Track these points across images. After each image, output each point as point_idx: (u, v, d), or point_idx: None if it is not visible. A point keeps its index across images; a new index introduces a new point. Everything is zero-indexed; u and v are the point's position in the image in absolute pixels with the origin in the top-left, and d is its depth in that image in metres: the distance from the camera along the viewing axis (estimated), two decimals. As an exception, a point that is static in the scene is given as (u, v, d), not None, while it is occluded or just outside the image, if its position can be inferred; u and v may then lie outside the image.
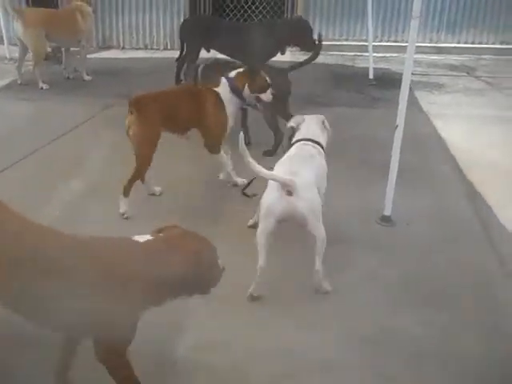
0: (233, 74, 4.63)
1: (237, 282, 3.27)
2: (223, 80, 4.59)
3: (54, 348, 2.74)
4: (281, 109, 5.73)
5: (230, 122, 4.61)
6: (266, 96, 4.69)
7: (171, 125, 4.34)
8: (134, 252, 2.29)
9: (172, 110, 4.31)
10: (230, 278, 3.23)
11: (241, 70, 4.69)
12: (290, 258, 3.72)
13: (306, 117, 4.03)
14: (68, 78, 8.29)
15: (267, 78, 4.67)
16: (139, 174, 4.25)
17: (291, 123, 3.99)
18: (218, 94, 4.54)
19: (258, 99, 4.69)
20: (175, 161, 5.09)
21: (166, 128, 4.30)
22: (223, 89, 4.57)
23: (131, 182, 4.19)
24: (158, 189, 4.59)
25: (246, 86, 4.60)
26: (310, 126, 3.97)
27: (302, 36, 7.07)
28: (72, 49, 8.32)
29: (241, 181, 4.73)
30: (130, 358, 2.41)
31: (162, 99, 4.35)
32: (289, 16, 11.07)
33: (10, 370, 2.75)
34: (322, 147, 3.89)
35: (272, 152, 5.52)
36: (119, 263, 2.22)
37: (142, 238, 2.35)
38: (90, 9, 8.28)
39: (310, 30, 7.20)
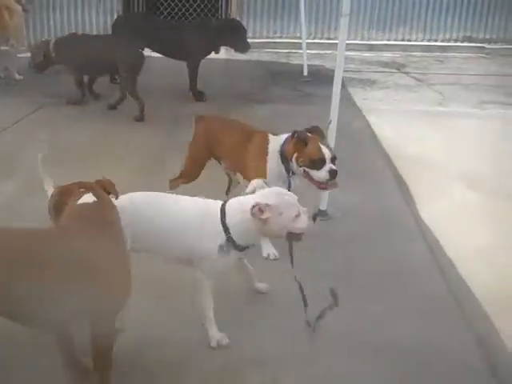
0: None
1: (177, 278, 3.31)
2: (283, 135, 3.85)
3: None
4: (128, 82, 6.43)
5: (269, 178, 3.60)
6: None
7: (220, 154, 4.04)
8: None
9: (227, 142, 3.97)
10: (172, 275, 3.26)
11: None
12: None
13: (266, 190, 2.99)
14: (-2, 77, 8.08)
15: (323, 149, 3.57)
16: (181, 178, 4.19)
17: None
18: (267, 140, 3.88)
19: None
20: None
21: (215, 155, 4.08)
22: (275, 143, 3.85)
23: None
24: None
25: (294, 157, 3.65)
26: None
27: (236, 37, 7.21)
28: (2, 48, 8.09)
29: None
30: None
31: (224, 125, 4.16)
32: (223, 16, 11.11)
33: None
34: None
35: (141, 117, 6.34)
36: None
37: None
38: (18, 6, 8.06)
39: (244, 32, 7.33)
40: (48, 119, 6.29)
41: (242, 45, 7.25)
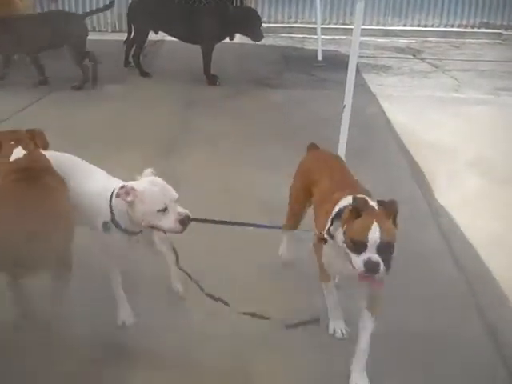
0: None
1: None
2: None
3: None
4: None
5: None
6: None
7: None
8: None
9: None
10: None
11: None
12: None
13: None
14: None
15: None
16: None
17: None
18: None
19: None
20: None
21: None
22: None
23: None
24: None
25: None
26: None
27: (251, 26, 7.23)
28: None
29: None
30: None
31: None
32: (238, 4, 11.03)
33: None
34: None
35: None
36: None
37: None
38: (27, -12, 8.06)
39: (259, 21, 7.35)
40: (61, 102, 6.31)
41: (256, 34, 7.27)
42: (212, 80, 7.33)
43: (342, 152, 4.25)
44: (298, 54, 9.37)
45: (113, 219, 2.88)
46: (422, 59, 9.28)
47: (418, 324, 3.10)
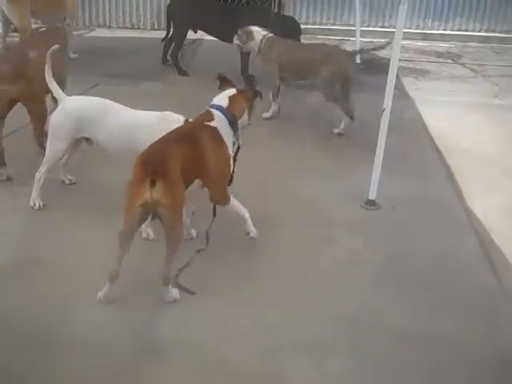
0: (224, 98, 3.58)
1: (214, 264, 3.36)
2: (216, 113, 3.50)
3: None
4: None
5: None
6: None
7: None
8: None
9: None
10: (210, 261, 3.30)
11: (234, 91, 3.64)
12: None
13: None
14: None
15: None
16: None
17: None
18: (216, 131, 3.45)
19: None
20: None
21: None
22: (220, 123, 3.48)
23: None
24: None
25: (246, 113, 3.67)
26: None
27: (293, 37, 7.13)
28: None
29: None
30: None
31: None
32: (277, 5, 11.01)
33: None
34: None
35: None
36: None
37: None
38: (77, -15, 8.19)
39: (299, 33, 7.30)
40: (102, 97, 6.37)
41: None
42: (249, 80, 7.33)
43: (379, 155, 4.21)
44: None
45: None
46: (462, 64, 9.15)
47: (450, 330, 3.07)
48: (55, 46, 4.03)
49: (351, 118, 5.68)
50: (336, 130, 5.76)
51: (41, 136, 4.51)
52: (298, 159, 5.09)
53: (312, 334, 3.02)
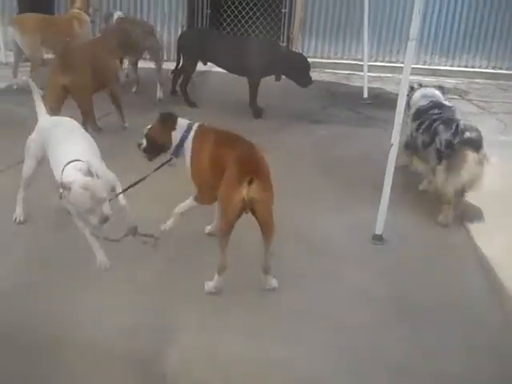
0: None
1: (226, 296, 3.35)
2: None
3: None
4: None
5: None
6: None
7: None
8: None
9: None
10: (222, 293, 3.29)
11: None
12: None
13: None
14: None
15: None
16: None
17: None
18: None
19: None
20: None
21: None
22: None
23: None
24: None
25: None
26: None
27: (300, 73, 7.23)
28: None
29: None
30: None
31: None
32: (285, 35, 11.15)
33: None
34: None
35: None
36: None
37: None
38: (87, 17, 8.31)
39: (308, 69, 7.34)
40: (109, 127, 6.44)
41: (304, 81, 7.29)
42: (257, 112, 7.39)
43: (386, 190, 4.21)
44: (344, 90, 9.39)
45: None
46: (469, 100, 9.20)
47: (458, 372, 3.02)
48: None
49: None
50: None
51: (85, 123, 5.53)
52: (305, 192, 5.09)
53: (316, 369, 2.99)
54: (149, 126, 3.93)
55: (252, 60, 7.15)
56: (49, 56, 7.98)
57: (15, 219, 4.23)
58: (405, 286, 3.79)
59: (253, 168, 3.37)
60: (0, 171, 5.04)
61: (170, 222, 3.97)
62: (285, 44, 10.94)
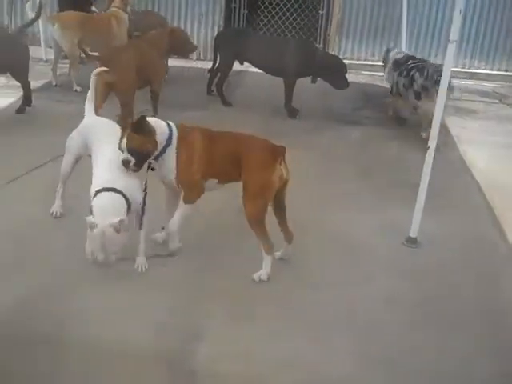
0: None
1: (253, 293, 3.34)
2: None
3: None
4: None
5: None
6: None
7: None
8: None
9: None
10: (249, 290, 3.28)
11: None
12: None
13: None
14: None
15: None
16: None
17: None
18: None
19: None
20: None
21: None
22: None
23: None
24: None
25: None
26: None
27: (337, 77, 7.22)
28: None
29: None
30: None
31: None
32: (321, 37, 11.10)
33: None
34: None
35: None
36: None
37: None
38: (125, 16, 8.39)
39: (345, 72, 7.32)
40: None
41: (340, 83, 7.28)
42: (292, 113, 7.37)
43: (422, 193, 4.16)
44: (379, 91, 9.30)
45: None
46: (509, 104, 9.04)
47: (492, 375, 2.98)
48: None
49: None
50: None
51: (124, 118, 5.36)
52: (339, 193, 5.06)
53: (346, 371, 2.96)
54: (124, 140, 3.50)
55: (288, 61, 7.16)
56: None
57: (52, 213, 4.28)
58: (438, 291, 3.74)
59: (279, 149, 3.63)
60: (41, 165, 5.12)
61: (174, 243, 3.83)
62: (321, 45, 10.89)
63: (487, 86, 10.28)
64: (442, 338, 3.27)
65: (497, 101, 9.22)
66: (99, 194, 3.40)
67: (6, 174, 4.86)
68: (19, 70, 6.50)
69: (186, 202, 3.73)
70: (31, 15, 7.53)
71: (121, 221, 3.25)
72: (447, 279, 3.88)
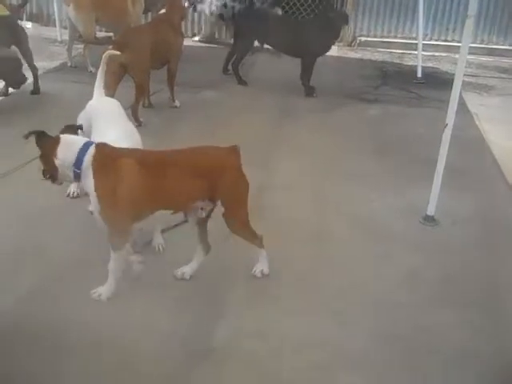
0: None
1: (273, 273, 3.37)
2: None
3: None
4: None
5: None
6: None
7: None
8: None
9: None
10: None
11: None
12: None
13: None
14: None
15: None
16: None
17: None
18: None
19: None
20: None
21: None
22: None
23: None
24: None
25: None
26: None
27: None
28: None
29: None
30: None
31: None
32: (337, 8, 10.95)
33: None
34: None
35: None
36: None
37: None
38: (141, -4, 8.35)
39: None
40: (160, 104, 6.51)
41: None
42: (310, 91, 7.32)
43: (439, 171, 4.13)
44: (397, 69, 9.21)
45: None
46: (527, 81, 8.92)
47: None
48: None
49: None
50: None
51: (139, 99, 5.95)
52: (356, 172, 5.05)
53: (365, 350, 2.98)
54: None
55: (308, 40, 7.11)
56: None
57: (69, 194, 4.29)
58: (456, 269, 3.73)
59: (236, 150, 3.32)
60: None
61: (105, 291, 3.23)
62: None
63: (506, 62, 10.13)
64: (460, 315, 3.27)
65: (515, 77, 9.10)
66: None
67: (22, 156, 4.77)
68: (20, 50, 6.47)
69: (113, 247, 3.12)
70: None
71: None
72: (465, 258, 3.87)
